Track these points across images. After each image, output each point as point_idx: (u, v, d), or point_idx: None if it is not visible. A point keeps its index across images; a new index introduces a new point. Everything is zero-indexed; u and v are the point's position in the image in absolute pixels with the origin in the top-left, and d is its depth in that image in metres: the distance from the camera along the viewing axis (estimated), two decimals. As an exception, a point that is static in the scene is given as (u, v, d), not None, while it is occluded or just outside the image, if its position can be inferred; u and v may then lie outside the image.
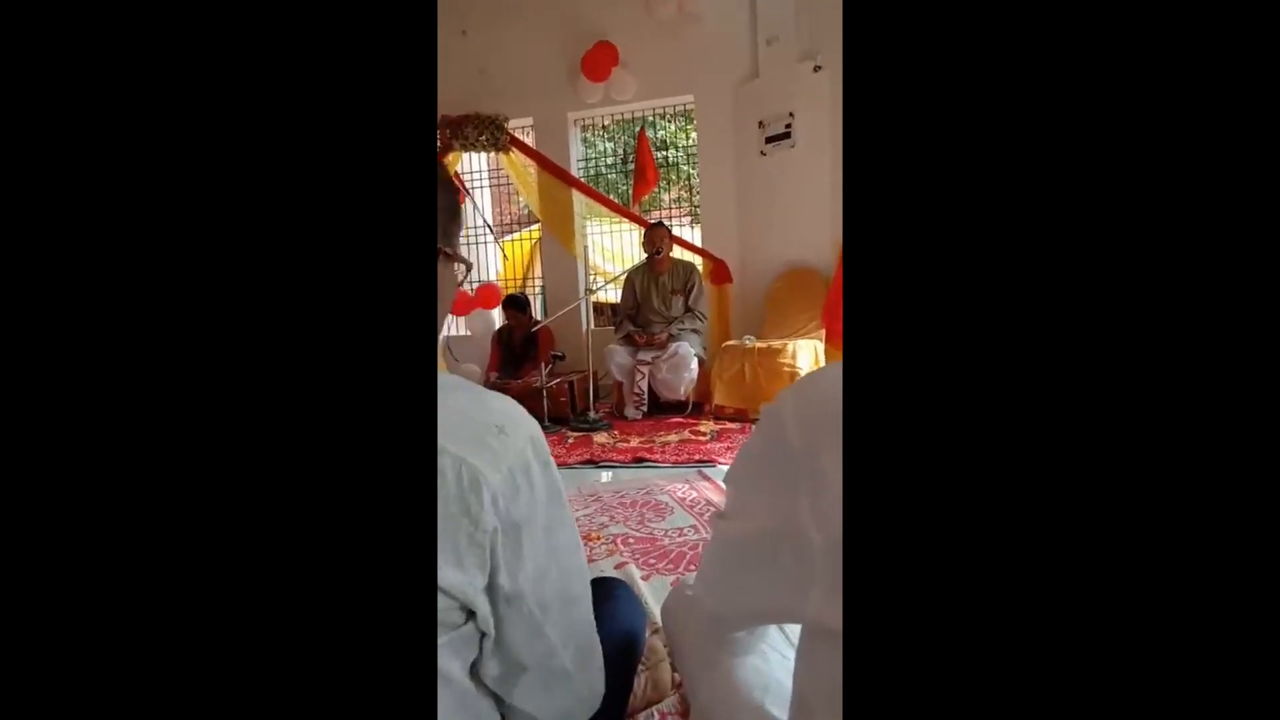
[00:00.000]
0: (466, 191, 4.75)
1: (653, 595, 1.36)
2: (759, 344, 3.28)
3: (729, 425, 3.15)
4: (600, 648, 0.71)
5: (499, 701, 0.64)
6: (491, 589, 0.57)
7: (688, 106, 4.30)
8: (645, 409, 3.47)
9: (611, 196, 4.77)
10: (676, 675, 1.00)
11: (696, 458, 2.60)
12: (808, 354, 3.22)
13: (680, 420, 3.33)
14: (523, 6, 4.20)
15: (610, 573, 1.48)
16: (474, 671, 0.61)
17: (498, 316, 4.31)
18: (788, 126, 3.74)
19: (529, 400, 2.98)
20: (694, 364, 3.44)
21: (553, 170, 4.21)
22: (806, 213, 3.73)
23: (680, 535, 1.79)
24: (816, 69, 3.60)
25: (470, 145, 4.17)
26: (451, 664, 0.58)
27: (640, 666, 0.97)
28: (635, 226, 4.31)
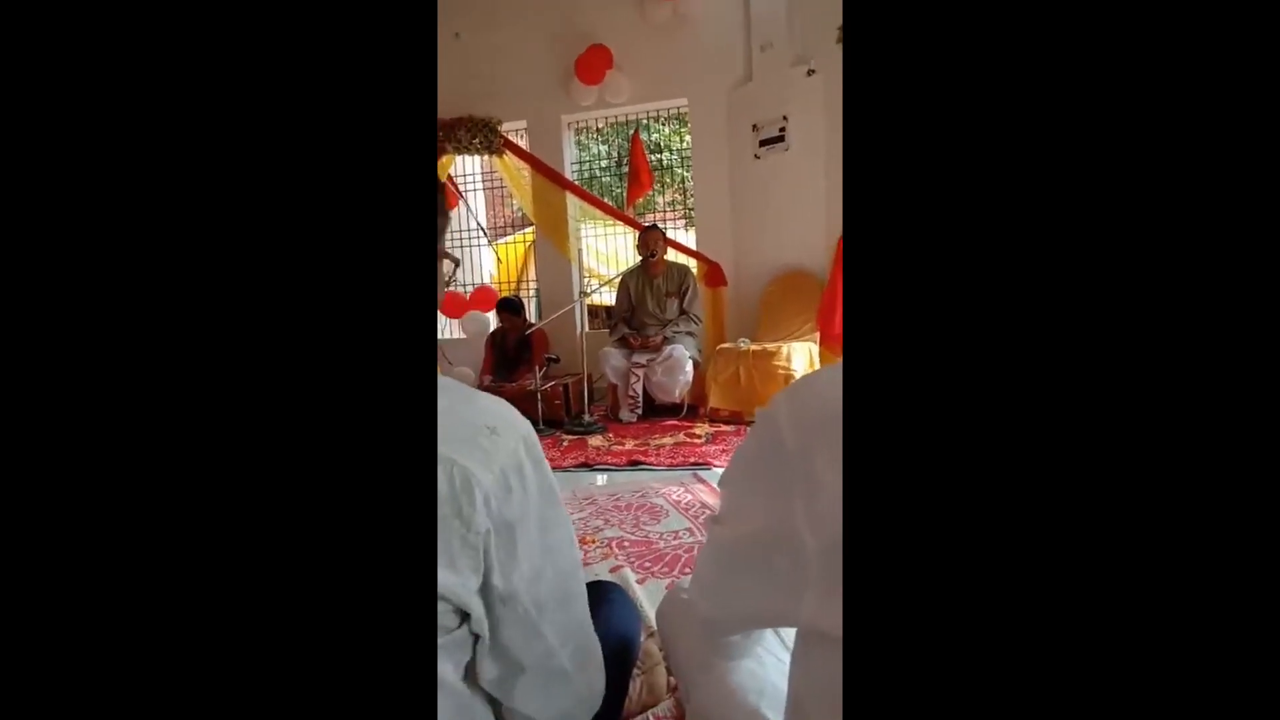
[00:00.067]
0: (460, 194, 4.74)
1: (648, 599, 1.36)
2: (754, 347, 3.29)
3: (724, 428, 3.15)
4: (599, 648, 0.71)
5: (495, 705, 0.64)
6: (485, 590, 0.57)
7: (682, 110, 4.30)
8: (640, 412, 3.47)
9: (606, 199, 4.78)
10: (672, 679, 0.99)
11: (691, 460, 2.60)
12: (802, 357, 3.23)
13: (675, 423, 3.33)
14: (516, 9, 4.20)
15: (605, 576, 1.48)
16: (469, 675, 0.61)
17: (492, 319, 4.31)
18: (781, 130, 3.75)
19: (523, 403, 2.98)
20: (689, 367, 3.43)
21: (546, 173, 4.21)
22: (801, 216, 3.74)
23: (675, 538, 1.79)
24: (810, 73, 3.61)
25: (464, 148, 4.16)
26: (445, 668, 0.57)
27: (635, 670, 0.97)
28: (630, 229, 4.31)
